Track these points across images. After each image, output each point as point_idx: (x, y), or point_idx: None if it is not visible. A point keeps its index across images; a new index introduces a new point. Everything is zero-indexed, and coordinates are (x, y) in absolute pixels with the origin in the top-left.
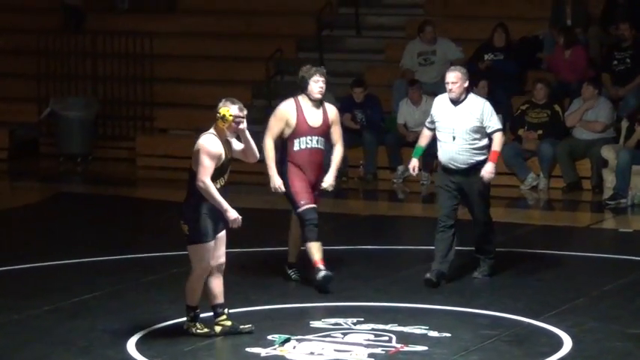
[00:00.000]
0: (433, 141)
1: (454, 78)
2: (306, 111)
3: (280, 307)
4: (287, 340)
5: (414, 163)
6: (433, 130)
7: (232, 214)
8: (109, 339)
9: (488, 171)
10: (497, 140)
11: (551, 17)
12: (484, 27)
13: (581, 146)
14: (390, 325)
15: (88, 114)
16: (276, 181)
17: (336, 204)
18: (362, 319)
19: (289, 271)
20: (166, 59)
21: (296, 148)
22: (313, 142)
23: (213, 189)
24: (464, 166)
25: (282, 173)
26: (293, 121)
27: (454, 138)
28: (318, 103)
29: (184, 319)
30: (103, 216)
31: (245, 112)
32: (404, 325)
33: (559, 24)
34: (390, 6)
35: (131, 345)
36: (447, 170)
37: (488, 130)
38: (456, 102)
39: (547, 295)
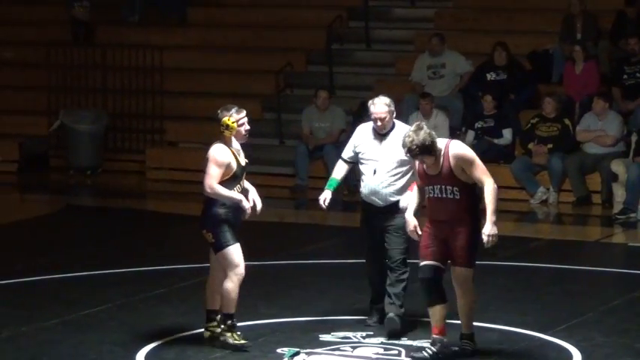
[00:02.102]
0: None
1: (385, 113)
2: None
3: (289, 320)
4: (296, 354)
5: (326, 195)
6: (351, 163)
7: (246, 204)
8: (118, 352)
9: None
10: None
11: (562, 31)
12: (494, 41)
13: (591, 160)
14: (399, 339)
15: (98, 127)
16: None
17: (345, 217)
18: (371, 333)
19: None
20: (176, 72)
21: (427, 195)
22: (436, 191)
23: (220, 189)
24: (386, 203)
25: None
26: (414, 170)
27: (375, 171)
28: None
29: (216, 328)
30: (112, 229)
31: (244, 112)
32: (413, 339)
33: (569, 38)
34: (400, 20)
35: (140, 358)
36: (367, 207)
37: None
38: (382, 133)
39: (556, 309)
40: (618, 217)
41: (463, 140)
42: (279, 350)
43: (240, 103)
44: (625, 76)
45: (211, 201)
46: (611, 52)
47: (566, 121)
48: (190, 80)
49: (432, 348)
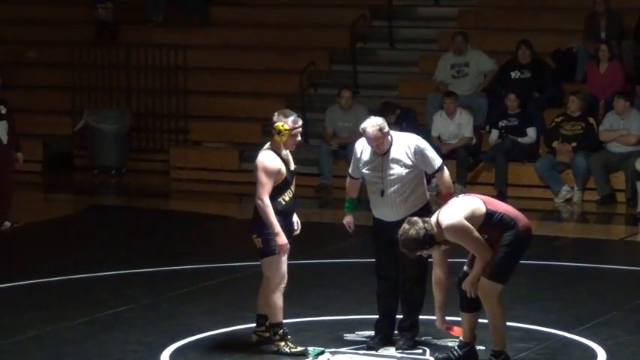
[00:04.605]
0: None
1: (379, 138)
2: None
3: (314, 319)
4: (321, 353)
5: (349, 219)
6: (359, 178)
7: (282, 240)
8: (143, 351)
9: None
10: (445, 180)
11: (585, 30)
12: (518, 40)
13: (616, 159)
14: (423, 338)
15: (122, 126)
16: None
17: (369, 216)
18: (395, 332)
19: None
20: (200, 72)
21: None
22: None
23: (269, 209)
24: (399, 217)
25: None
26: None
27: (382, 192)
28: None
29: (265, 333)
30: (136, 228)
31: (300, 122)
32: (437, 338)
33: (593, 37)
34: (423, 19)
35: (165, 357)
36: (378, 224)
37: (430, 171)
38: (382, 154)
39: (581, 307)
40: None
41: (487, 139)
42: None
43: (263, 103)
44: None
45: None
46: (635, 50)
47: (591, 120)
48: (214, 80)
49: (459, 351)
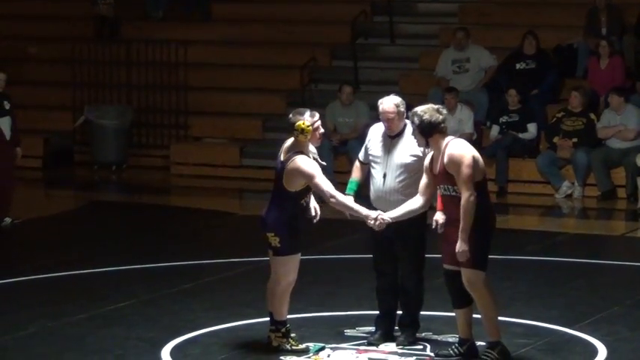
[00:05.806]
0: None
1: (392, 113)
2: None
3: (315, 315)
4: (321, 349)
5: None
6: (366, 163)
7: (372, 217)
8: (143, 347)
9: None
10: None
11: (586, 26)
12: (518, 35)
13: (616, 154)
14: (424, 334)
15: (123, 122)
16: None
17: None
18: (396, 328)
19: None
20: (201, 67)
21: (439, 192)
22: (441, 188)
23: (341, 198)
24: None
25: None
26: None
27: (384, 175)
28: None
29: (272, 334)
30: (137, 224)
31: (317, 115)
32: (438, 334)
33: (594, 32)
34: (424, 14)
35: (166, 353)
36: None
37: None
38: (392, 135)
39: (582, 303)
40: None
41: (488, 135)
42: (304, 345)
43: (264, 98)
44: None
45: (280, 203)
46: (636, 46)
47: (592, 116)
48: (214, 75)
49: (459, 347)
